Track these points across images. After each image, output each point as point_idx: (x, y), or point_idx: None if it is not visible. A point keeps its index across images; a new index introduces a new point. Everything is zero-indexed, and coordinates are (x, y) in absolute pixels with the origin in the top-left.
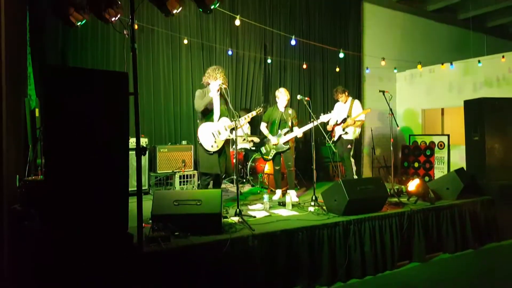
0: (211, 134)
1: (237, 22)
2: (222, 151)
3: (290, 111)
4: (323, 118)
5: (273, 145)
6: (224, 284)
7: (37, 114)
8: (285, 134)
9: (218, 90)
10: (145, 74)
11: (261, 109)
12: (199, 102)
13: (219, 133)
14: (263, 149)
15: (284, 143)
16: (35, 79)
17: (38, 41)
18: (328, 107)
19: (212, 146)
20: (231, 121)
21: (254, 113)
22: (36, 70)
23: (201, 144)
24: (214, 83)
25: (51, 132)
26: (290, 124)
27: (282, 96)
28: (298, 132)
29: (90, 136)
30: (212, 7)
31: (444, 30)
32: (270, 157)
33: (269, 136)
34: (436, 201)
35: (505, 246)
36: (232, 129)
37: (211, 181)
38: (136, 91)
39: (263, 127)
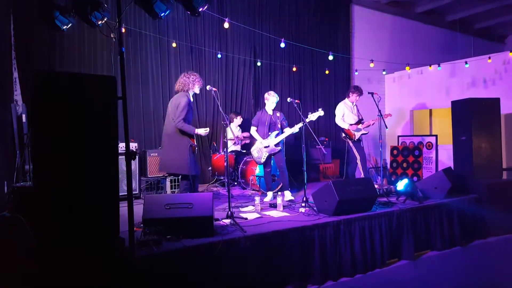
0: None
1: (226, 25)
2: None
3: (278, 113)
4: (312, 116)
5: (265, 147)
6: (217, 285)
7: (23, 119)
8: (275, 137)
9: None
10: (134, 78)
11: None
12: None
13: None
14: (255, 153)
15: (275, 145)
16: (21, 84)
17: (24, 46)
18: (318, 109)
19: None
20: (223, 125)
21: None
22: (22, 75)
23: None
24: (197, 89)
25: (39, 137)
26: (279, 126)
27: (271, 98)
28: (288, 133)
29: (79, 141)
30: (200, 9)
31: (432, 32)
32: (262, 160)
33: (259, 139)
34: (424, 200)
35: (491, 242)
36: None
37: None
38: (124, 95)
39: (253, 131)
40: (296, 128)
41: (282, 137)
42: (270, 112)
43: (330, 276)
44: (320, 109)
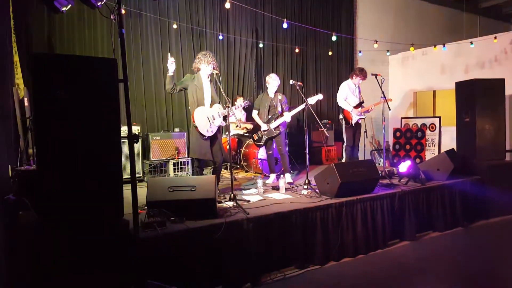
0: (207, 119)
1: (227, 5)
2: (215, 139)
3: (280, 96)
4: (311, 100)
5: (264, 131)
6: (220, 266)
7: (26, 103)
8: (275, 120)
9: (208, 76)
10: (135, 60)
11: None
12: (171, 83)
13: (214, 119)
14: (255, 136)
15: (274, 128)
16: (22, 67)
17: (24, 28)
18: (320, 91)
19: (207, 131)
20: (224, 108)
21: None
22: (22, 58)
23: (196, 127)
24: (206, 68)
25: (41, 121)
26: (280, 109)
27: (272, 81)
28: (288, 116)
29: (81, 124)
30: None
31: (437, 12)
32: (262, 143)
33: (260, 122)
34: (427, 182)
35: (493, 223)
36: (225, 117)
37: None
38: (125, 78)
39: (254, 114)
40: (288, 117)
41: (280, 121)
42: (271, 95)
43: (332, 257)
44: (319, 94)
